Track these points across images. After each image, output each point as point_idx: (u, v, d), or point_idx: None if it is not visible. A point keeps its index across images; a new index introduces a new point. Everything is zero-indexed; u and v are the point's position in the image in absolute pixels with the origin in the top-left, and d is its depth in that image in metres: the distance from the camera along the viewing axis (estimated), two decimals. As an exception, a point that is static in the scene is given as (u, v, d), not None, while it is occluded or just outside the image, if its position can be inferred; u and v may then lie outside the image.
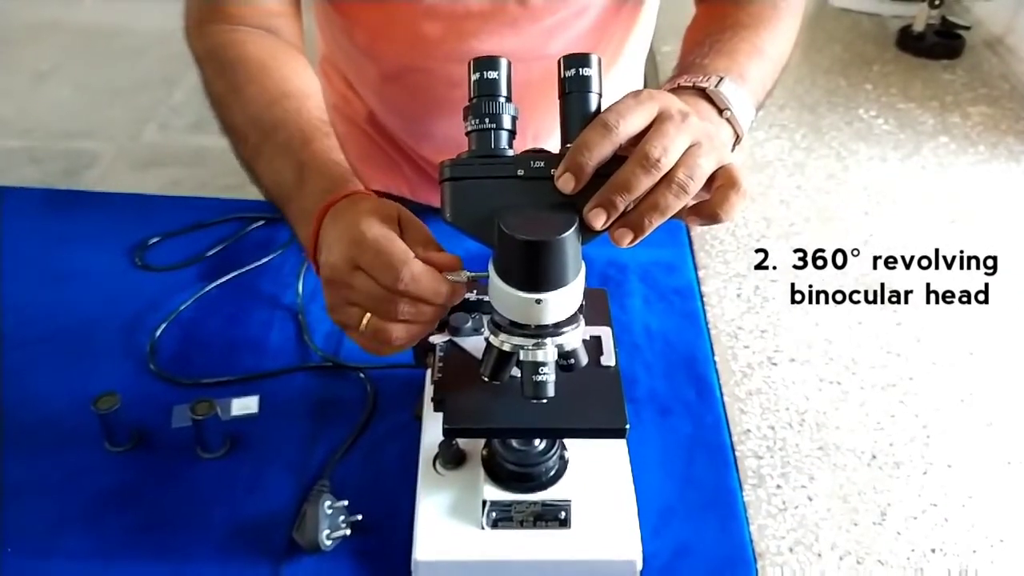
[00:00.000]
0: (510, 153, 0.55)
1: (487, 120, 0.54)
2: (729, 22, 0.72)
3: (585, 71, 0.54)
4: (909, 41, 1.66)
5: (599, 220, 0.52)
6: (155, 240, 0.98)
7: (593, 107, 0.55)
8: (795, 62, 1.59)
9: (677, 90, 0.61)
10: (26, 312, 0.88)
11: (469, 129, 0.55)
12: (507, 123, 0.55)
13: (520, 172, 0.54)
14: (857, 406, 0.88)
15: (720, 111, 0.61)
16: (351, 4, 0.84)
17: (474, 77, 0.55)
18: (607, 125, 0.51)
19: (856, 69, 1.59)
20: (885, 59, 1.63)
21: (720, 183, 0.54)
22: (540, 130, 0.90)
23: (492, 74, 0.55)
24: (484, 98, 0.55)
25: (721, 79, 0.62)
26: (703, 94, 0.61)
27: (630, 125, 0.52)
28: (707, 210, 0.54)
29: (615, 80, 0.95)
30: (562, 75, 0.55)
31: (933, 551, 0.74)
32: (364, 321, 0.56)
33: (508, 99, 0.55)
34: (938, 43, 1.65)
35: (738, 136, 0.63)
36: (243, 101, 0.70)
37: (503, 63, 0.55)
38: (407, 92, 0.89)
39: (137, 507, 0.71)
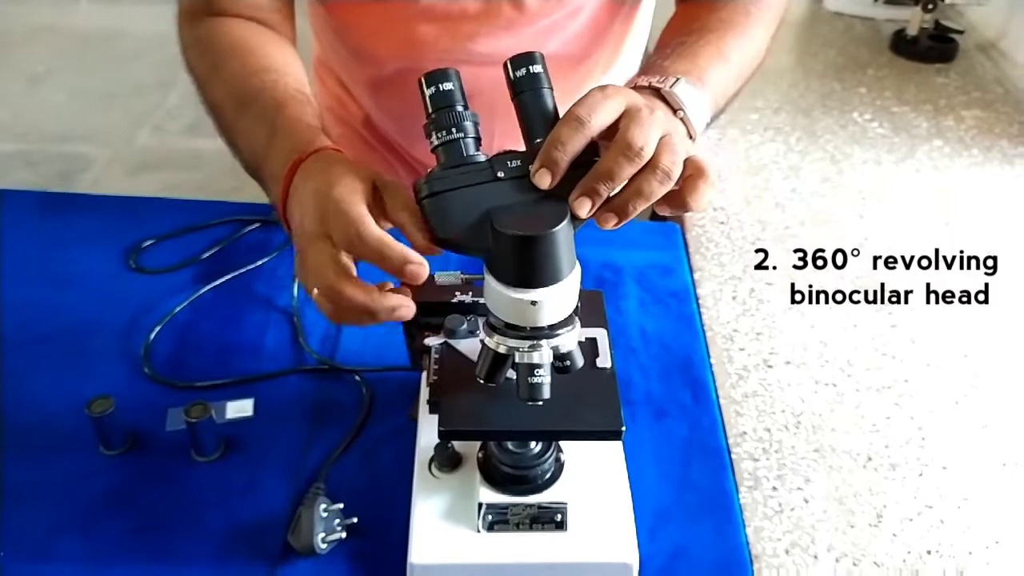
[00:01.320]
0: (482, 158, 0.55)
1: (453, 131, 0.55)
2: (697, 25, 0.72)
3: (534, 68, 0.55)
4: (903, 45, 1.67)
5: (583, 208, 0.53)
6: (150, 243, 0.97)
7: (549, 103, 0.56)
8: (789, 66, 1.59)
9: (635, 89, 0.62)
10: (20, 315, 0.87)
11: (436, 143, 0.55)
12: (472, 130, 0.55)
13: (500, 174, 0.54)
14: (853, 408, 0.88)
15: (674, 111, 0.61)
16: (345, 6, 0.84)
17: (429, 92, 0.56)
18: (579, 119, 0.52)
19: (850, 73, 1.60)
20: (879, 63, 1.64)
21: (689, 172, 0.55)
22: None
23: (447, 86, 0.55)
24: (444, 110, 0.55)
25: (677, 80, 0.62)
26: (658, 94, 0.62)
27: (600, 118, 0.53)
28: (678, 200, 0.55)
29: (612, 81, 0.95)
30: (512, 76, 0.56)
31: (929, 553, 0.75)
32: (316, 293, 0.56)
33: (466, 107, 0.56)
34: (932, 47, 1.65)
35: (691, 136, 0.63)
36: (224, 77, 0.71)
37: (453, 73, 0.56)
38: (401, 94, 0.89)
39: (132, 510, 0.71)
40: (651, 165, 0.53)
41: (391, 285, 0.57)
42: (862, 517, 0.77)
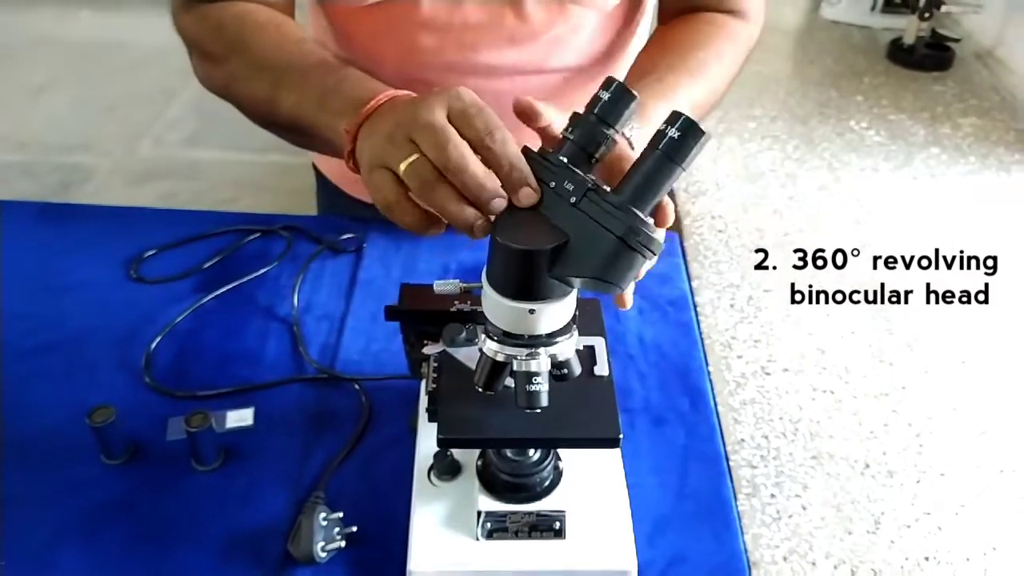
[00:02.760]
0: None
1: None
2: (664, 63, 0.74)
3: (693, 143, 0.50)
4: (900, 53, 1.68)
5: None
6: (150, 253, 0.98)
7: (668, 187, 0.53)
8: (786, 75, 1.60)
9: None
10: (22, 324, 0.88)
11: None
12: None
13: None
14: (850, 415, 0.89)
15: None
16: (346, 13, 0.84)
17: None
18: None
19: (847, 81, 1.61)
20: (876, 71, 1.65)
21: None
22: (534, 147, 0.91)
23: None
24: None
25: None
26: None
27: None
28: None
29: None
30: (667, 133, 0.51)
31: (927, 559, 0.75)
32: (412, 157, 0.53)
33: None
34: (928, 55, 1.66)
35: None
36: (255, 48, 0.70)
37: None
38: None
39: (132, 519, 0.71)
40: None
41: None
42: (860, 524, 0.78)
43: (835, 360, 0.95)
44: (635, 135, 0.62)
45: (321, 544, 0.66)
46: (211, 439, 0.74)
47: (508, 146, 0.53)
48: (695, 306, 0.98)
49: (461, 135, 0.53)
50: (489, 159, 0.53)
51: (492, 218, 0.53)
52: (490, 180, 0.52)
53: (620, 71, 0.93)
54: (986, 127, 1.47)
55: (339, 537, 0.67)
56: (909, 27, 1.67)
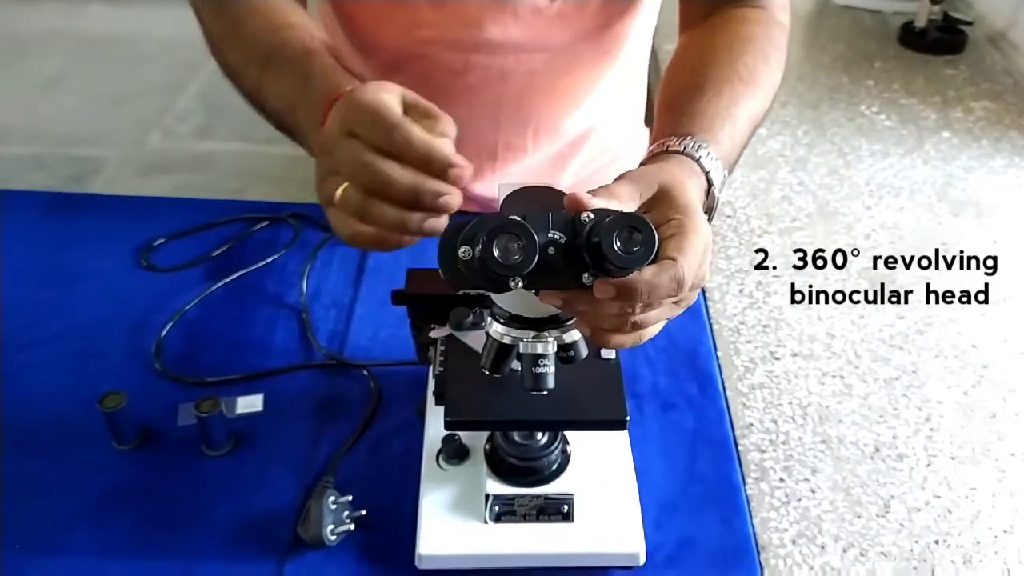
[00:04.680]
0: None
1: None
2: (713, 74, 0.70)
3: None
4: (911, 37, 1.67)
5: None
6: (160, 241, 0.98)
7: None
8: (797, 59, 1.59)
9: (667, 154, 0.62)
10: (33, 313, 0.89)
11: None
12: None
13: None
14: (860, 399, 0.88)
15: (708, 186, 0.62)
16: None
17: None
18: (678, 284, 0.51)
19: (858, 66, 1.60)
20: (887, 55, 1.63)
21: None
22: (540, 126, 0.91)
23: None
24: None
25: (701, 145, 0.62)
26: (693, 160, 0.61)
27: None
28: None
29: (621, 79, 0.95)
30: None
31: (937, 543, 0.75)
32: (340, 189, 0.52)
33: None
34: (940, 39, 1.65)
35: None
36: (245, 35, 0.70)
37: None
38: (407, 83, 0.88)
39: (143, 504, 0.71)
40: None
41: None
42: (869, 507, 0.77)
43: (844, 345, 0.94)
44: (709, 158, 0.61)
45: (330, 527, 0.67)
46: (221, 424, 0.75)
47: (412, 138, 0.50)
48: (703, 291, 0.98)
49: (372, 144, 0.51)
50: (405, 157, 0.50)
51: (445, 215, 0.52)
52: (420, 181, 0.50)
53: (625, 48, 0.92)
54: (999, 111, 1.45)
55: (348, 521, 0.68)
56: (921, 10, 1.66)
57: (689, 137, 0.62)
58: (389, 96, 0.53)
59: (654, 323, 0.54)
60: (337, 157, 0.52)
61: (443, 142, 0.51)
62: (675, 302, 0.53)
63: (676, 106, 0.68)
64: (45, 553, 0.68)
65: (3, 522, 0.69)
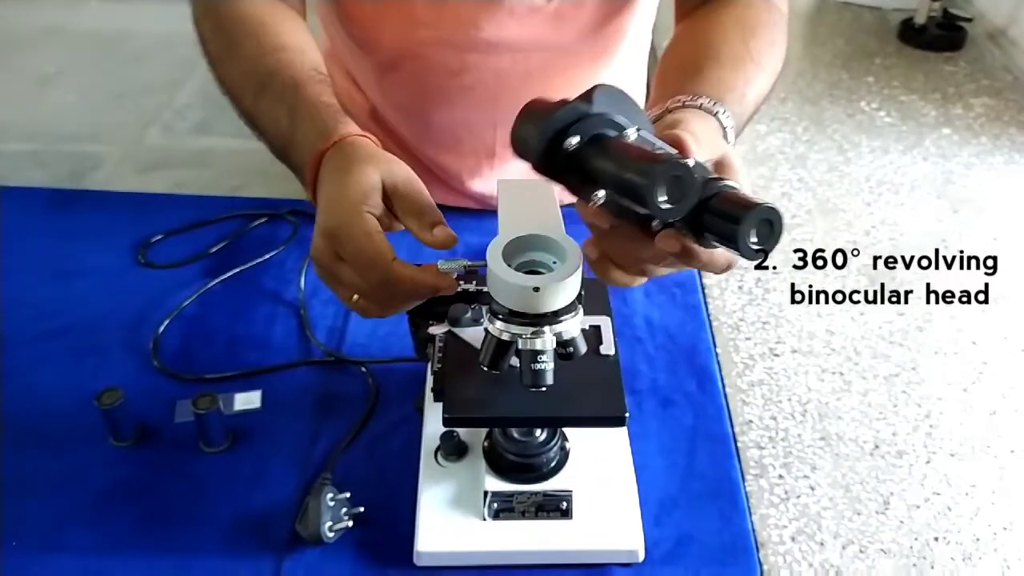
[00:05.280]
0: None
1: None
2: (714, 52, 0.69)
3: None
4: (911, 34, 1.66)
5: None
6: (158, 237, 0.98)
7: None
8: (797, 56, 1.59)
9: (684, 108, 0.60)
10: (31, 309, 0.88)
11: None
12: None
13: None
14: (859, 396, 0.88)
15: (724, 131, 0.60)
16: None
17: None
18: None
19: (858, 62, 1.59)
20: (887, 52, 1.63)
21: None
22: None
23: None
24: None
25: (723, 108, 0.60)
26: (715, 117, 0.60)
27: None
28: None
29: (617, 74, 0.95)
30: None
31: (936, 539, 0.74)
32: (354, 299, 0.59)
33: None
34: (940, 35, 1.64)
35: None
36: (240, 57, 0.71)
37: None
38: (404, 82, 0.89)
39: (140, 501, 0.71)
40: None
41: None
42: (869, 504, 0.77)
43: (844, 341, 0.94)
44: (727, 117, 0.60)
45: (329, 524, 0.66)
46: (219, 421, 0.74)
47: (402, 279, 0.56)
48: (703, 288, 0.98)
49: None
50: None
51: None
52: (420, 276, 0.57)
53: (623, 46, 0.92)
54: (998, 107, 1.45)
55: (346, 517, 0.68)
56: (920, 7, 1.65)
57: (705, 97, 0.61)
58: (368, 222, 0.56)
59: (660, 275, 0.53)
60: (336, 276, 0.58)
61: (429, 270, 0.57)
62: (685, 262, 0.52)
63: (690, 71, 0.66)
64: (43, 550, 0.67)
65: (0, 519, 0.69)
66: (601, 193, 0.46)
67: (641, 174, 0.44)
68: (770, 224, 0.45)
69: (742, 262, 0.49)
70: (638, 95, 1.04)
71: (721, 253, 0.49)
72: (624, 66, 0.95)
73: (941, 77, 1.55)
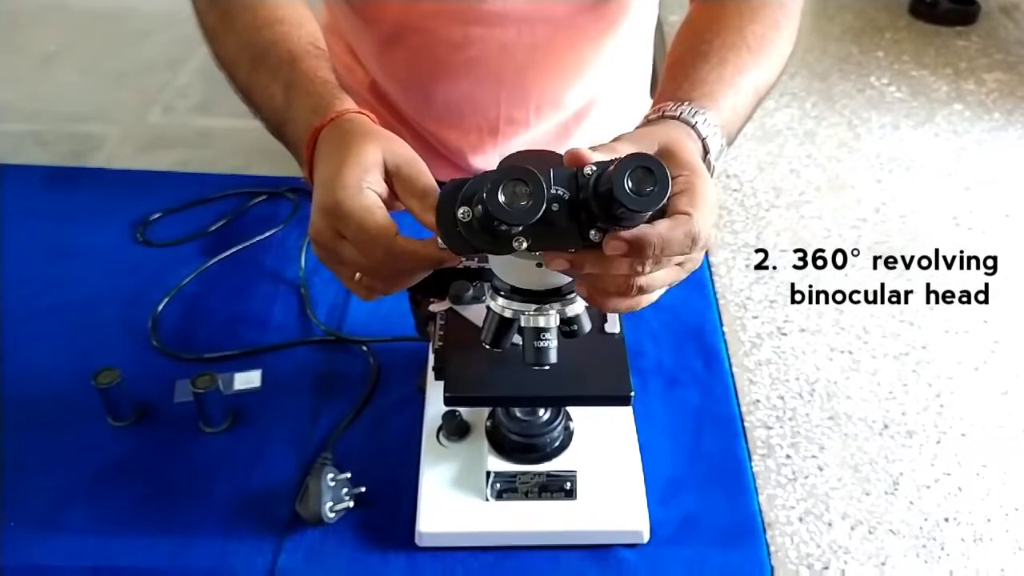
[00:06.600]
0: None
1: None
2: (718, 41, 0.67)
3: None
4: (922, 8, 1.63)
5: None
6: (157, 216, 0.97)
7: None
8: (806, 30, 1.56)
9: (663, 119, 0.59)
10: (28, 288, 0.87)
11: None
12: None
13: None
14: (868, 375, 0.87)
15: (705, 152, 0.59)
16: None
17: None
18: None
19: (868, 37, 1.56)
20: (898, 26, 1.60)
21: None
22: (542, 99, 0.88)
23: None
24: None
25: (698, 111, 0.59)
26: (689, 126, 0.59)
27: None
28: None
29: (625, 51, 0.93)
30: None
31: (947, 520, 0.73)
32: (356, 277, 0.56)
33: None
34: (952, 9, 1.62)
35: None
36: (236, 30, 0.69)
37: None
38: (406, 56, 0.87)
39: (139, 481, 0.70)
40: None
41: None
42: (878, 485, 0.76)
43: (853, 320, 0.93)
44: (706, 124, 0.59)
45: (329, 504, 0.66)
46: (218, 401, 0.73)
47: (405, 252, 0.53)
48: (709, 266, 0.96)
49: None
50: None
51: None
52: (423, 249, 0.53)
53: (628, 19, 0.89)
54: (1012, 82, 1.42)
55: (347, 498, 0.67)
56: (932, -20, 1.63)
57: (687, 103, 0.60)
58: (369, 198, 0.54)
59: (659, 287, 0.52)
60: (337, 255, 0.56)
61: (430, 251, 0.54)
62: (680, 264, 0.52)
63: (678, 72, 0.66)
64: (41, 529, 0.67)
65: (-2, 499, 0.68)
66: (522, 239, 0.47)
67: (484, 184, 0.45)
68: (646, 169, 0.45)
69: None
70: (643, 68, 1.02)
71: (670, 227, 0.48)
72: (629, 39, 0.92)
73: (953, 52, 1.52)
